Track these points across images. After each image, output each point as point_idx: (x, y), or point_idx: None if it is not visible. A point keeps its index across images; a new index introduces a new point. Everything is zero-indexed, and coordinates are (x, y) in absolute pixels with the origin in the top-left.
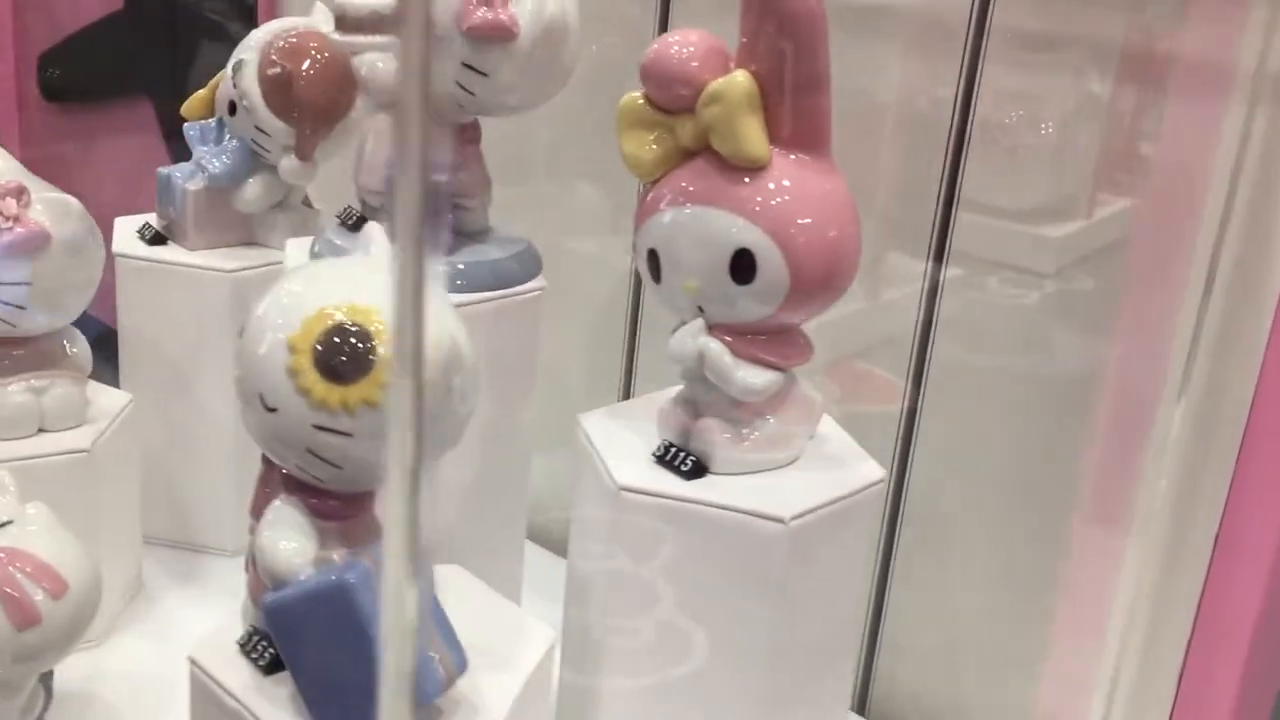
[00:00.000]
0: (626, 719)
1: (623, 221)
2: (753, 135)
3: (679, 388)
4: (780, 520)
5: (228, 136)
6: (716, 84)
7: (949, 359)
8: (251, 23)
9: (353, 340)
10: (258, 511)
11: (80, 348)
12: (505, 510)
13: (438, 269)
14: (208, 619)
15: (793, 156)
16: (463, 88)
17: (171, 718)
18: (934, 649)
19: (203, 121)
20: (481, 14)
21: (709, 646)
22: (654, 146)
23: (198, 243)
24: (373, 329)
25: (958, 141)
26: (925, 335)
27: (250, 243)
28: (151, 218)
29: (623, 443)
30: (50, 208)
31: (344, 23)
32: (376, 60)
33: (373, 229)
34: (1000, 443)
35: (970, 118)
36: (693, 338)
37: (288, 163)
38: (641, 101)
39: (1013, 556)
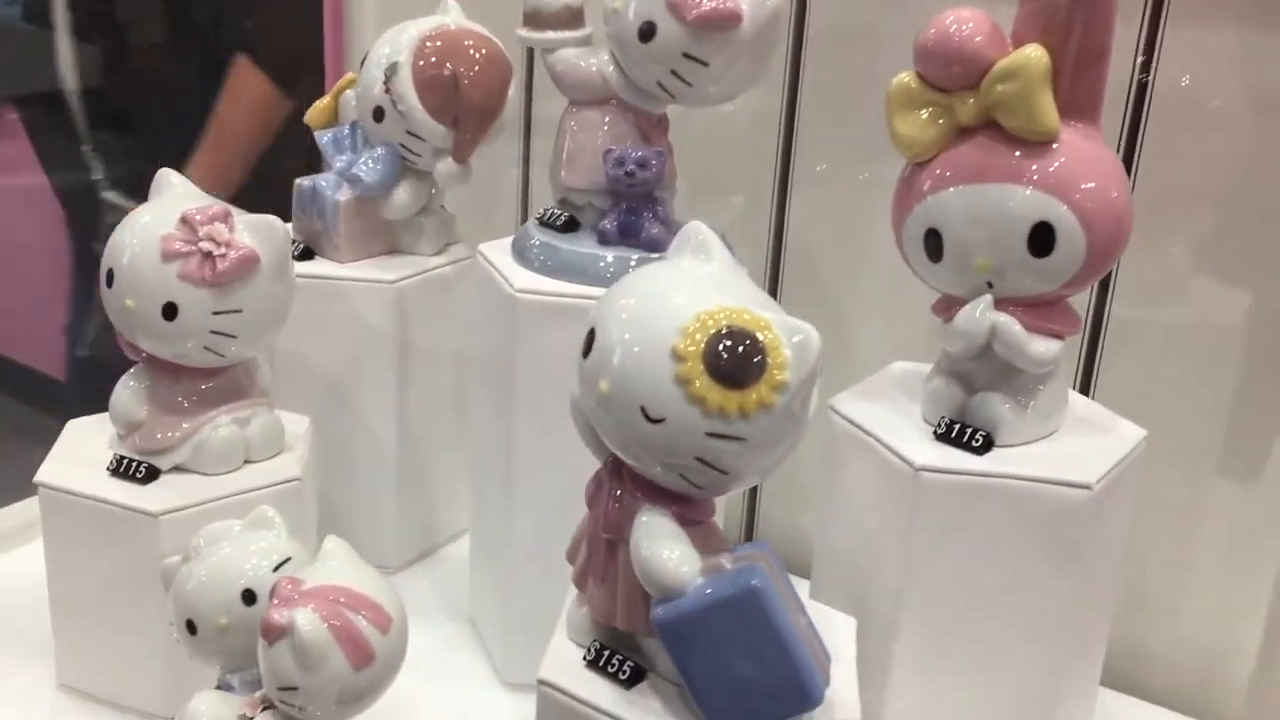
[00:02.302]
0: (916, 698)
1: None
2: (1048, 109)
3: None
4: (1086, 486)
5: (363, 142)
6: (1011, 60)
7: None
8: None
9: (744, 342)
10: (614, 528)
11: (263, 372)
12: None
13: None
14: None
15: (1072, 126)
16: (679, 78)
17: None
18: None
19: (333, 129)
20: (708, 3)
21: (1003, 619)
22: (930, 126)
23: (349, 255)
24: (757, 331)
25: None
26: (1103, 290)
27: (395, 251)
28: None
29: (890, 424)
30: (255, 229)
31: (537, 19)
32: (574, 56)
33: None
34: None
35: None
36: (982, 313)
37: (445, 166)
38: (913, 82)
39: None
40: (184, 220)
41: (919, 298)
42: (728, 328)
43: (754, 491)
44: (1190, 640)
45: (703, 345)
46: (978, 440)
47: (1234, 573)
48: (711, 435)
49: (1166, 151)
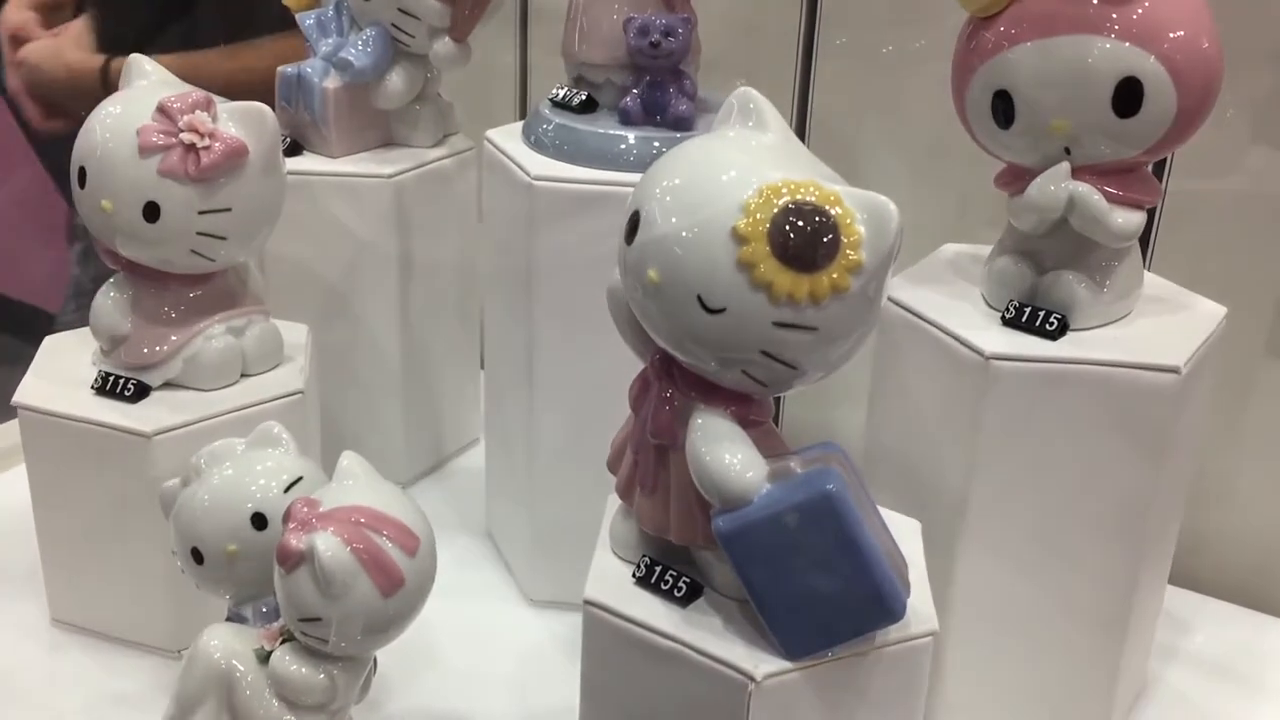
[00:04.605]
0: (982, 606)
1: None
2: None
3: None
4: (1174, 370)
5: (350, 24)
6: None
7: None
8: None
9: (814, 219)
10: (665, 433)
11: (255, 277)
12: None
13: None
14: None
15: None
16: None
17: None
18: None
19: (316, 10)
20: None
21: (1079, 516)
22: None
23: (340, 148)
24: (827, 206)
25: None
26: (1160, 163)
27: (390, 143)
28: None
29: (952, 310)
30: (242, 119)
31: None
32: None
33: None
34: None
35: None
36: (1059, 183)
37: (441, 47)
38: None
39: None
40: (161, 110)
41: (951, 176)
42: (794, 203)
43: None
44: (1246, 528)
45: (767, 224)
46: (1051, 324)
47: None
48: (779, 325)
49: (1221, 11)
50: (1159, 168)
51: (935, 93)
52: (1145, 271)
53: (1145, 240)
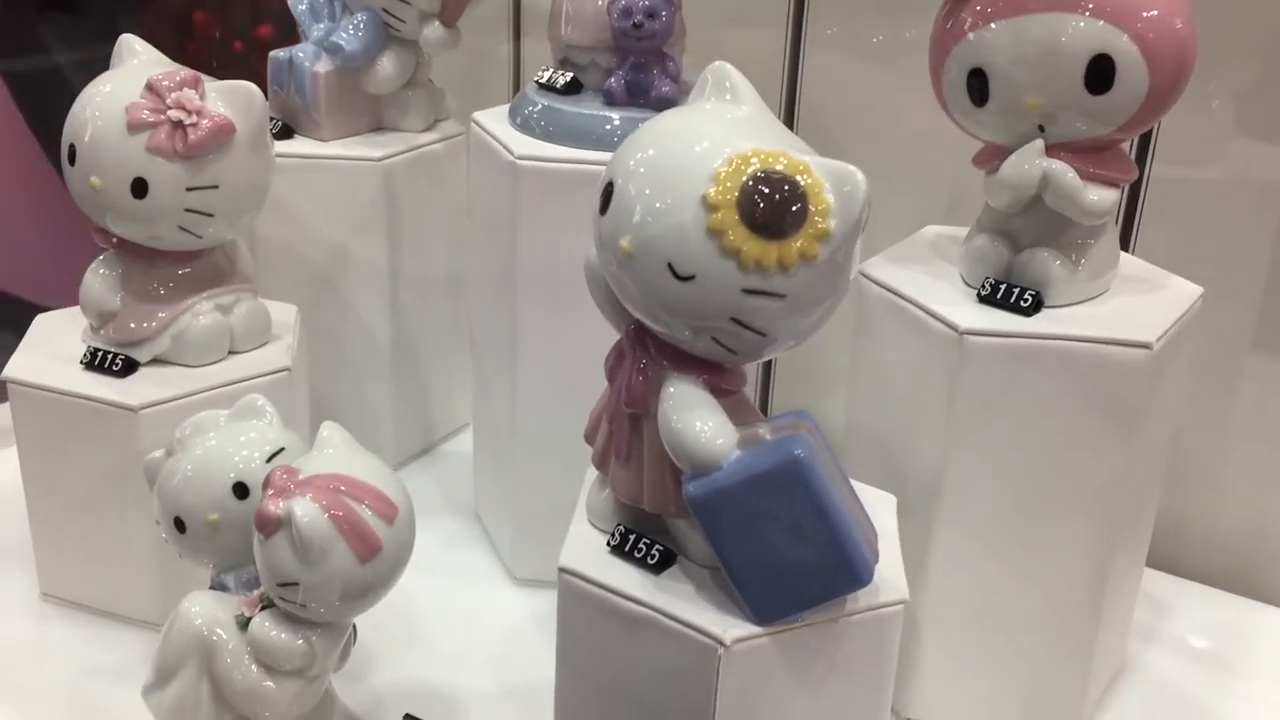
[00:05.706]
0: (957, 583)
1: None
2: None
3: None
4: (1146, 346)
5: (342, 9)
6: None
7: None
8: None
9: (783, 188)
10: (638, 401)
11: (244, 256)
12: None
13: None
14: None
15: None
16: None
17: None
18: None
19: None
20: None
21: (1053, 493)
22: None
23: (331, 132)
24: (795, 175)
25: None
26: (1143, 149)
27: (380, 127)
28: None
29: (928, 288)
30: (228, 96)
31: None
32: None
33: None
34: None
35: None
36: (1032, 161)
37: (431, 31)
38: None
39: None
40: (150, 87)
41: (939, 163)
42: (763, 171)
43: (768, 374)
44: (1228, 513)
45: (736, 192)
46: (1026, 300)
47: (1276, 443)
48: (748, 292)
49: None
50: (1142, 155)
51: (925, 83)
52: (1122, 252)
53: (1128, 226)
